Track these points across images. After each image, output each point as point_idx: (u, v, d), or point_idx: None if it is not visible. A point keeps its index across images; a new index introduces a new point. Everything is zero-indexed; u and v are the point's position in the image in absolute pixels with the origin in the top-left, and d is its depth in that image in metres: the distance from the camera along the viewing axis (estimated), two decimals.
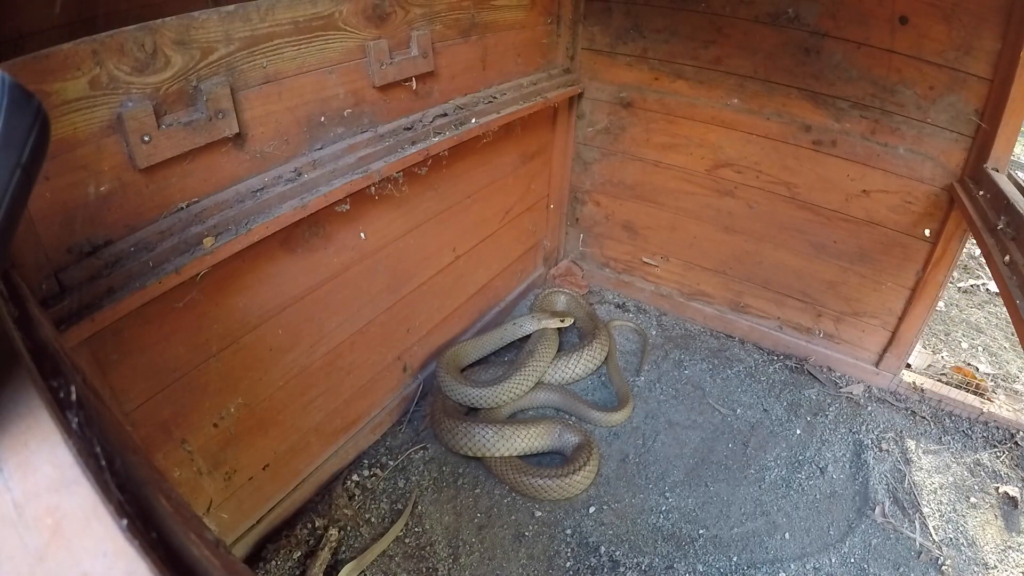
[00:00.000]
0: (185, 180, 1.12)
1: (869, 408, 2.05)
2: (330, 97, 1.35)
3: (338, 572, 1.49)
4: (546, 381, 2.05)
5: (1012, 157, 1.66)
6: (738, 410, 2.03)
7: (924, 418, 2.01)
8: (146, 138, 1.01)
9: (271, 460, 1.55)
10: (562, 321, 2.09)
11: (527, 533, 1.64)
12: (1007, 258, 1.29)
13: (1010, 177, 1.56)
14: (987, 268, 2.33)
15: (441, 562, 1.56)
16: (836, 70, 1.78)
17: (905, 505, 1.72)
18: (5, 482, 0.32)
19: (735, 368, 2.20)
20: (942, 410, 2.03)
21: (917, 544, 1.63)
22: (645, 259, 2.46)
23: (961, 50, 1.58)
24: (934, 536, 1.65)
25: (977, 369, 2.28)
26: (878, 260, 1.96)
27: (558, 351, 2.09)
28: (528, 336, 2.10)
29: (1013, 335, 2.48)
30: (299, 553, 1.53)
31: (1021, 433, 1.93)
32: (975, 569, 1.58)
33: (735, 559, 1.59)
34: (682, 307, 2.44)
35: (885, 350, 2.08)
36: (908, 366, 2.13)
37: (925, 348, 2.38)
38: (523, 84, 1.95)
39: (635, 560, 1.58)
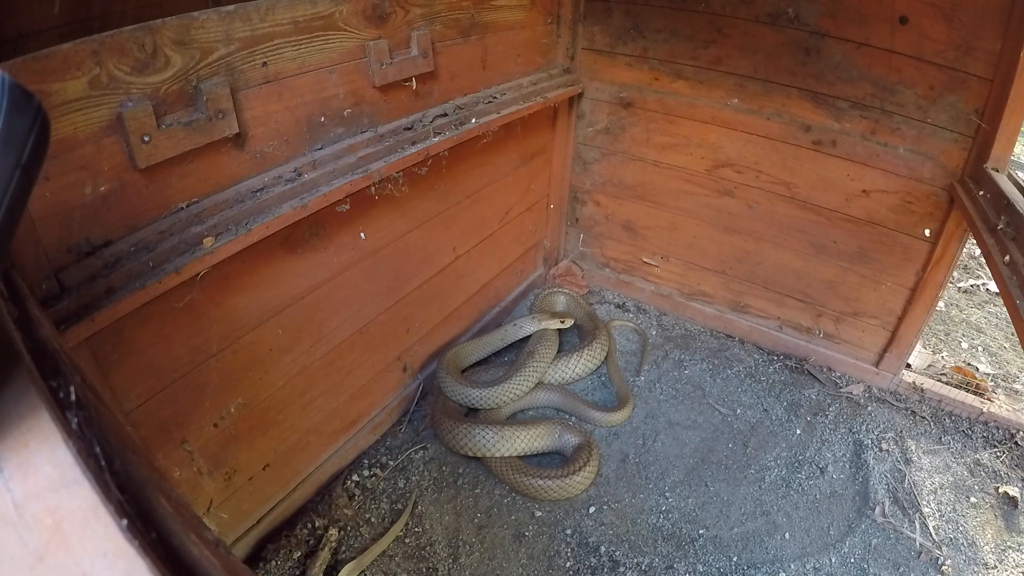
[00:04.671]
0: (185, 180, 1.12)
1: (869, 408, 2.05)
2: (330, 97, 1.35)
3: (338, 572, 1.49)
4: (546, 381, 2.05)
5: (1012, 157, 1.66)
6: (738, 410, 2.03)
7: (924, 418, 2.01)
8: (146, 138, 1.01)
9: (271, 460, 1.55)
10: (562, 322, 2.09)
11: (527, 533, 1.64)
12: (1007, 258, 1.29)
13: (1010, 177, 1.56)
14: (987, 268, 2.33)
15: (441, 562, 1.56)
16: (836, 70, 1.78)
17: (905, 505, 1.72)
18: (5, 482, 0.32)
19: (735, 368, 2.20)
20: (942, 410, 2.03)
21: (917, 544, 1.63)
22: (645, 259, 2.46)
23: (961, 50, 1.58)
24: (934, 536, 1.65)
25: (977, 369, 2.28)
26: (878, 260, 1.96)
27: (558, 351, 2.09)
28: (528, 336, 2.10)
29: (1013, 335, 2.48)
30: (299, 553, 1.53)
31: (1021, 433, 1.93)
32: (975, 569, 1.58)
33: (735, 559, 1.59)
34: (682, 307, 2.44)
35: (885, 350, 2.08)
36: (908, 366, 2.13)
37: (925, 348, 2.38)
38: (523, 84, 1.95)
39: (635, 560, 1.58)
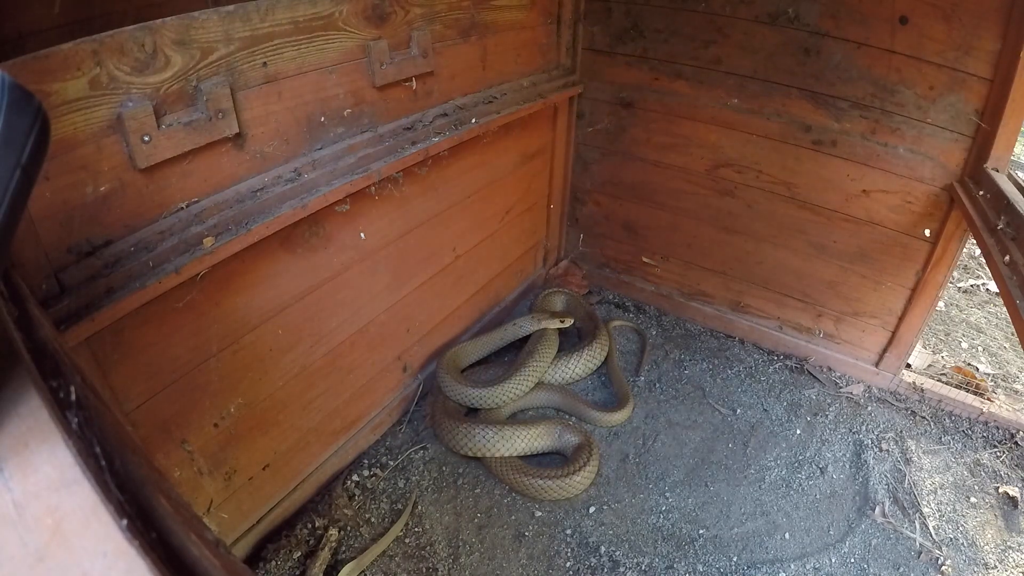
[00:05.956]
0: (185, 180, 1.12)
1: (869, 408, 2.05)
2: (330, 97, 1.35)
3: (338, 572, 1.49)
4: (546, 381, 2.05)
5: (1012, 157, 1.66)
6: (738, 410, 2.03)
7: (924, 418, 2.01)
8: (146, 138, 1.01)
9: (271, 460, 1.55)
10: (562, 322, 2.09)
11: (527, 533, 1.64)
12: (1007, 258, 1.29)
13: (1010, 177, 1.56)
14: (987, 268, 2.33)
15: (441, 562, 1.56)
16: (836, 70, 1.78)
17: (905, 505, 1.72)
18: (5, 482, 0.32)
19: (735, 368, 2.20)
20: (942, 410, 2.03)
21: (917, 544, 1.63)
22: (645, 259, 2.46)
23: (961, 50, 1.58)
24: (934, 536, 1.65)
25: (977, 369, 2.28)
26: (878, 260, 1.96)
27: (558, 351, 2.08)
28: (528, 336, 2.10)
29: (1013, 335, 2.48)
30: (299, 553, 1.53)
31: (1021, 433, 1.93)
32: (975, 569, 1.58)
33: (735, 559, 1.59)
34: (682, 307, 2.44)
35: (885, 350, 2.08)
36: (908, 366, 2.13)
37: (925, 348, 2.38)
38: (523, 84, 1.95)
39: (635, 560, 1.58)
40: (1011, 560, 1.60)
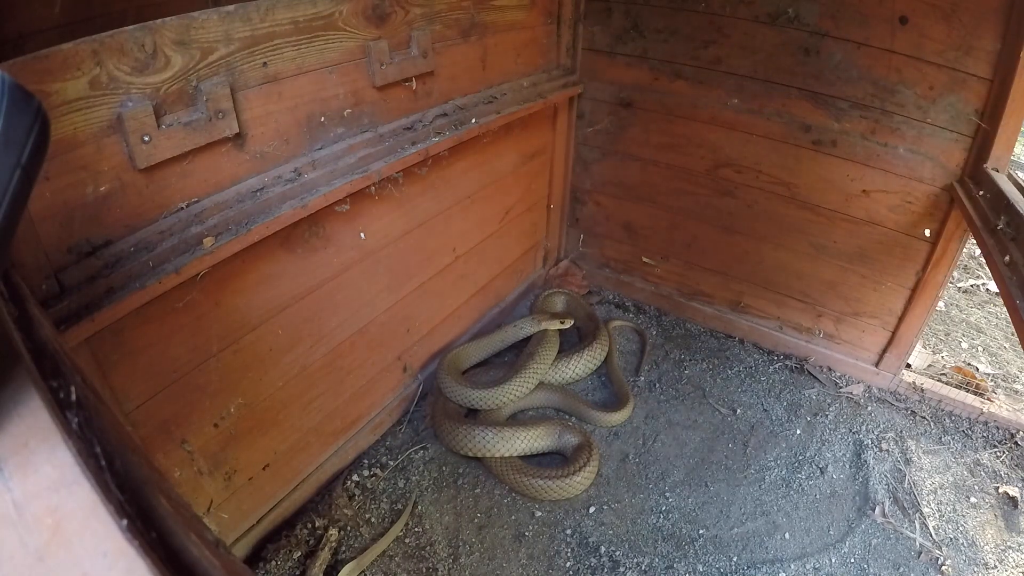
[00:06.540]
0: (185, 180, 1.12)
1: (869, 408, 2.05)
2: (330, 97, 1.35)
3: (338, 572, 1.49)
4: (546, 381, 2.05)
5: (1012, 157, 1.66)
6: (738, 410, 2.03)
7: (924, 418, 2.01)
8: (146, 138, 1.01)
9: (271, 460, 1.55)
10: (562, 323, 2.09)
11: (527, 533, 1.64)
12: (1007, 258, 1.29)
13: (1010, 177, 1.56)
14: (987, 268, 2.33)
15: (441, 562, 1.56)
16: (836, 70, 1.78)
17: (905, 505, 1.72)
18: (5, 482, 0.32)
19: (735, 368, 2.20)
20: (942, 410, 2.03)
21: (917, 544, 1.63)
22: (645, 259, 2.46)
23: (961, 50, 1.58)
24: (934, 536, 1.65)
25: (977, 369, 2.28)
26: (878, 260, 1.96)
27: (558, 352, 2.08)
28: (528, 337, 2.10)
29: (1013, 335, 2.48)
30: (299, 553, 1.53)
31: (1021, 433, 1.93)
32: (975, 569, 1.58)
33: (735, 559, 1.59)
34: (682, 307, 2.44)
35: (885, 350, 2.08)
36: (908, 366, 2.13)
37: (925, 348, 2.38)
38: (523, 84, 1.95)
39: (635, 560, 1.58)
40: (1011, 560, 1.60)
